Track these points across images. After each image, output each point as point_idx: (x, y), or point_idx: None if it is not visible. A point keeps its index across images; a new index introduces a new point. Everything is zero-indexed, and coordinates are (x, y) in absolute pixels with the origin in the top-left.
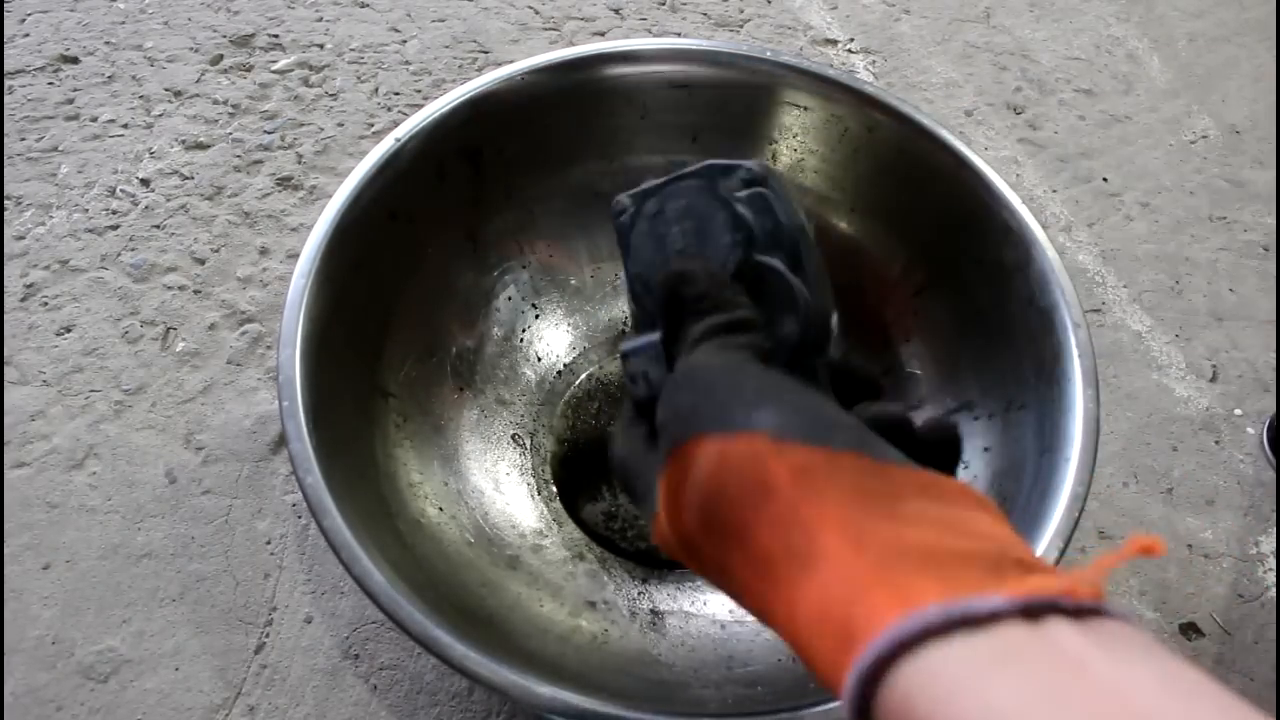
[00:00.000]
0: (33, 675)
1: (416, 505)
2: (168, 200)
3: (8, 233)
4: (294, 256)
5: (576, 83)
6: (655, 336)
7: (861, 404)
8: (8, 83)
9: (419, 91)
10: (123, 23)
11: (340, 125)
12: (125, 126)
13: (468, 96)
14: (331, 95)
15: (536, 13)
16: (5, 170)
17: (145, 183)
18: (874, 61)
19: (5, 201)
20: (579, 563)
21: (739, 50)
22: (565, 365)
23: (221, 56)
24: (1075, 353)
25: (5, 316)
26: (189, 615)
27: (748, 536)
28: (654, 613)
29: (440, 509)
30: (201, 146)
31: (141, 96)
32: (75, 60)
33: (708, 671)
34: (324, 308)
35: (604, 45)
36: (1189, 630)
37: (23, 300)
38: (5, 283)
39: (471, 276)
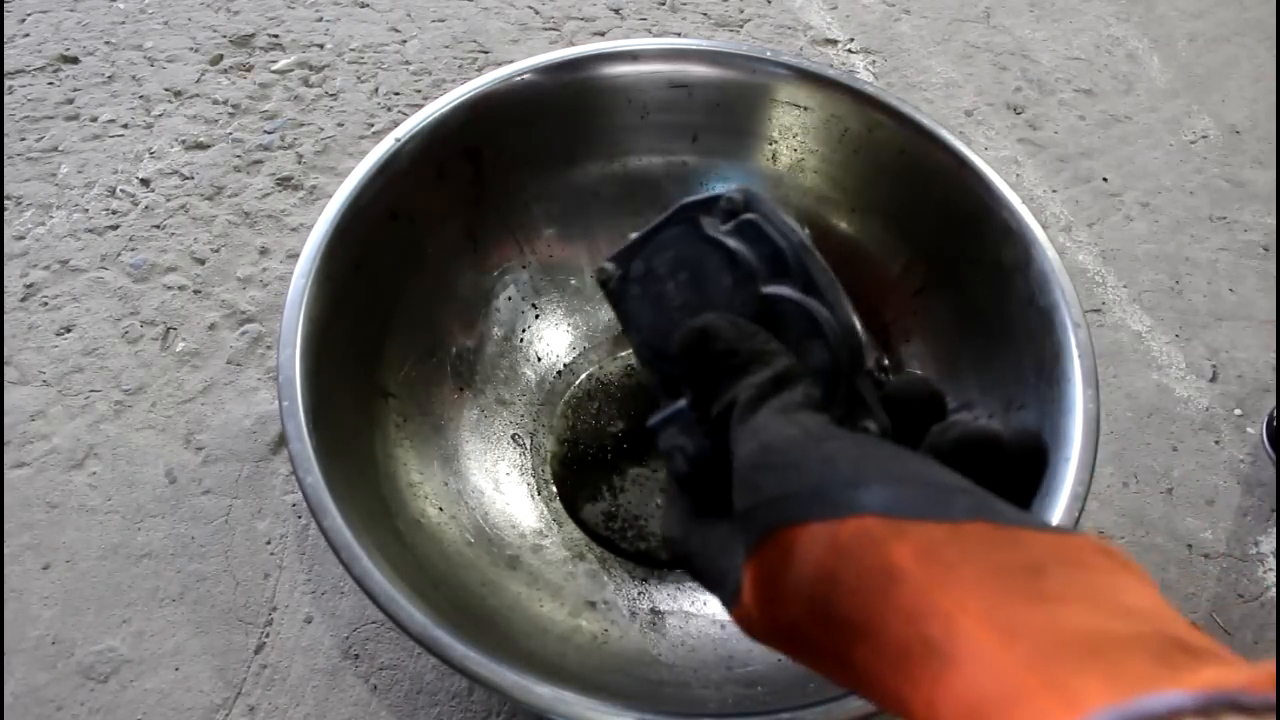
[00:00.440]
0: (33, 675)
1: (416, 505)
2: (168, 200)
3: (8, 233)
4: (294, 256)
5: (577, 83)
6: (682, 404)
7: (936, 427)
8: (8, 83)
9: (419, 91)
10: (123, 23)
11: (340, 125)
12: (125, 126)
13: (468, 96)
14: (331, 95)
15: (536, 13)
16: (5, 170)
17: (145, 183)
18: (874, 61)
19: (5, 201)
20: (579, 563)
21: (739, 50)
22: (565, 365)
23: (221, 56)
24: (1075, 353)
25: (5, 316)
26: (189, 615)
27: (874, 629)
28: (654, 613)
29: (440, 509)
30: (201, 146)
31: (141, 96)
32: (75, 60)
33: (708, 671)
34: (324, 308)
35: (604, 45)
36: None
37: (23, 300)
38: (5, 283)
39: (471, 276)
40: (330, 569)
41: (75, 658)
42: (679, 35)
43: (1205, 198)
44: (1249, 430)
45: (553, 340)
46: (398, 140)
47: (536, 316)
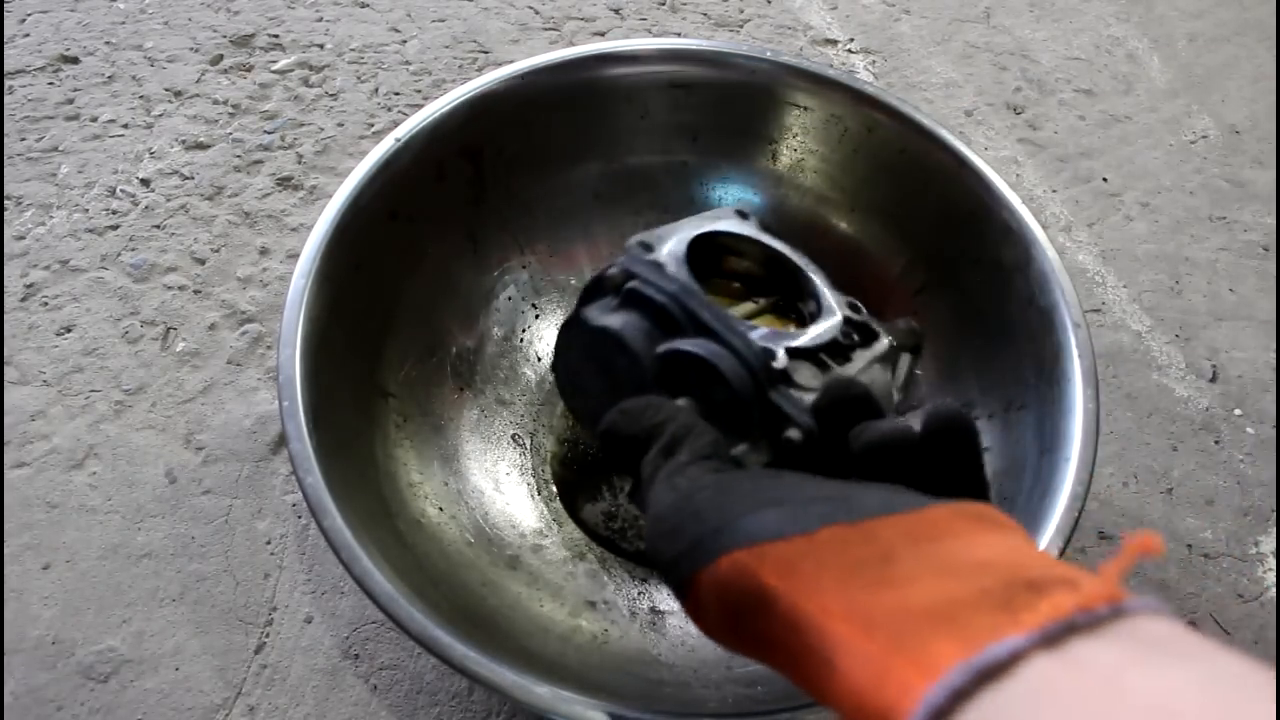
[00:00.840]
0: (33, 675)
1: (416, 505)
2: (168, 200)
3: (8, 233)
4: (294, 256)
5: (576, 83)
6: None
7: (852, 433)
8: (8, 83)
9: (419, 91)
10: (123, 23)
11: (340, 125)
12: (125, 126)
13: (468, 96)
14: (331, 95)
15: (536, 13)
16: (5, 170)
17: (145, 183)
18: (874, 61)
19: (5, 201)
20: (579, 563)
21: (739, 50)
22: None
23: (221, 56)
24: (1075, 353)
25: (5, 316)
26: (189, 615)
27: (771, 647)
28: (654, 612)
29: (440, 509)
30: (201, 146)
31: (141, 96)
32: (75, 60)
33: (708, 671)
34: (324, 308)
35: (604, 45)
36: None
37: (23, 300)
38: (5, 283)
39: (471, 276)
40: (330, 569)
41: (75, 658)
42: (679, 35)
43: (1205, 198)
44: (1249, 430)
45: (553, 340)
46: (398, 140)
47: (536, 316)
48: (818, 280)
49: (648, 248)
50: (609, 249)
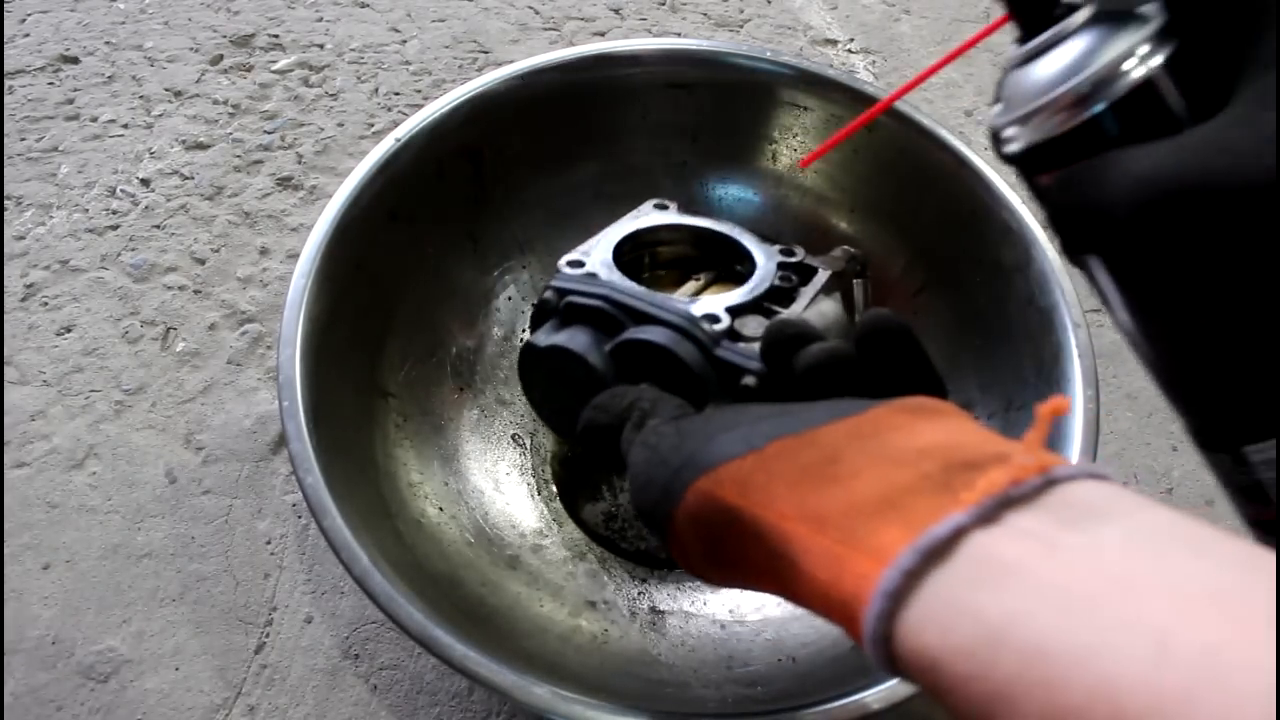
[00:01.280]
0: (33, 675)
1: (416, 505)
2: (168, 200)
3: (8, 233)
4: (294, 256)
5: (576, 83)
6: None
7: (795, 357)
8: (8, 83)
9: (419, 91)
10: (123, 23)
11: (340, 125)
12: (125, 126)
13: (468, 96)
14: (331, 95)
15: (536, 13)
16: (5, 170)
17: (145, 183)
18: (874, 61)
19: (5, 201)
20: (579, 563)
21: (739, 50)
22: None
23: (221, 56)
24: (1075, 353)
25: (5, 316)
26: (189, 615)
27: (746, 566)
28: (654, 612)
29: (440, 509)
30: (201, 146)
31: (141, 96)
32: (75, 60)
33: (708, 671)
34: (324, 308)
35: (604, 45)
36: None
37: (23, 300)
38: (5, 283)
39: (471, 276)
40: (330, 569)
41: (75, 658)
42: (679, 35)
43: None
44: None
45: None
46: (398, 140)
47: None
48: (746, 240)
49: (578, 265)
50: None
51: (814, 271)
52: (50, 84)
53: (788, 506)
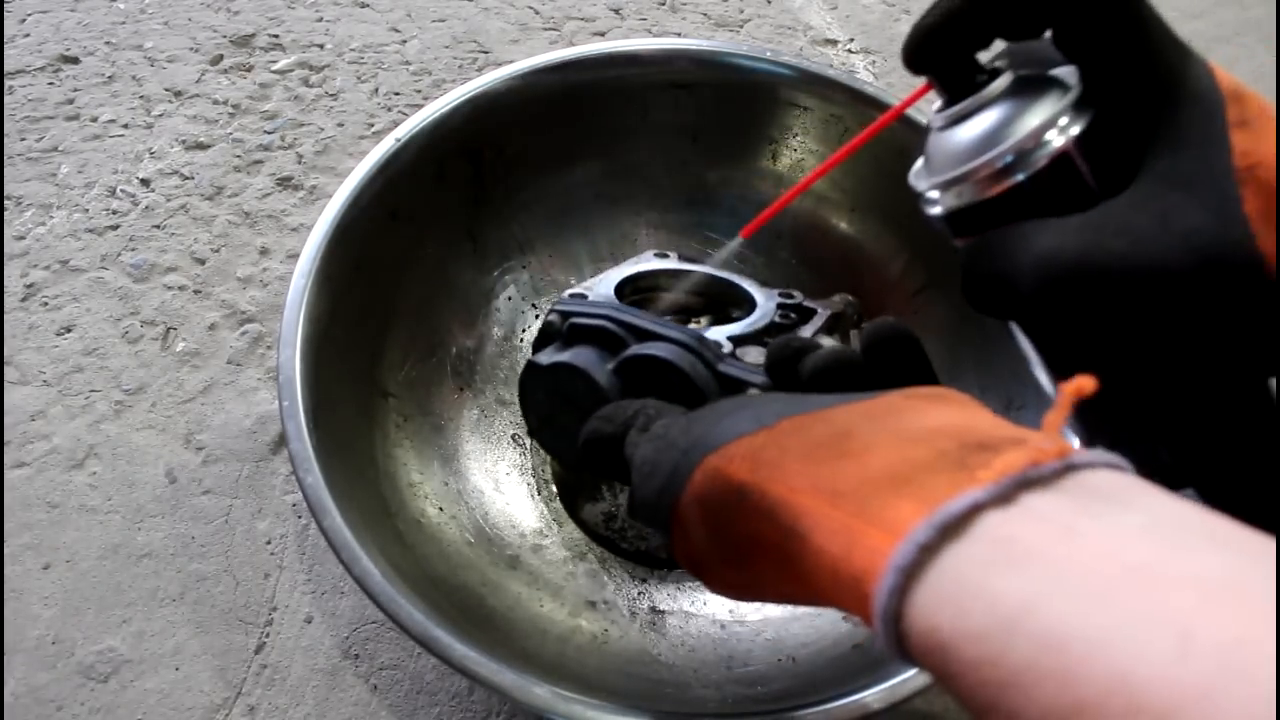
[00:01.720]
0: (33, 675)
1: (416, 505)
2: (168, 200)
3: (8, 233)
4: (294, 256)
5: (576, 83)
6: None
7: (801, 363)
8: (8, 83)
9: (419, 91)
10: (123, 23)
11: (340, 125)
12: (125, 126)
13: (468, 96)
14: (331, 95)
15: (536, 13)
16: (5, 170)
17: (145, 183)
18: (874, 61)
19: (5, 201)
20: (579, 563)
21: (739, 50)
22: None
23: (221, 56)
24: None
25: (5, 316)
26: (189, 615)
27: (752, 546)
28: (654, 612)
29: (440, 509)
30: (201, 146)
31: (141, 96)
32: (75, 60)
33: (708, 671)
34: (324, 308)
35: (604, 45)
36: None
37: (23, 300)
38: (5, 283)
39: (471, 276)
40: (330, 569)
41: (75, 658)
42: (679, 35)
43: None
44: None
45: None
46: (398, 140)
47: (536, 316)
48: (746, 284)
49: (580, 298)
50: (609, 249)
51: (813, 313)
52: (50, 84)
53: (800, 480)
